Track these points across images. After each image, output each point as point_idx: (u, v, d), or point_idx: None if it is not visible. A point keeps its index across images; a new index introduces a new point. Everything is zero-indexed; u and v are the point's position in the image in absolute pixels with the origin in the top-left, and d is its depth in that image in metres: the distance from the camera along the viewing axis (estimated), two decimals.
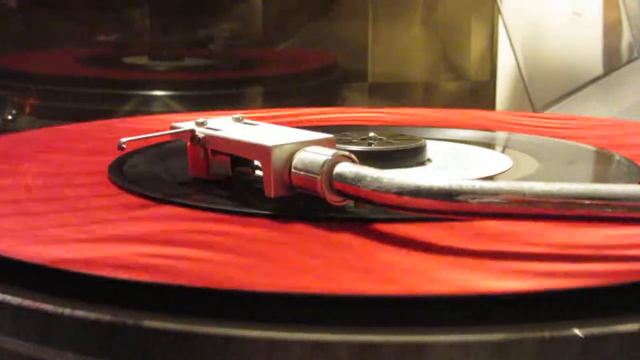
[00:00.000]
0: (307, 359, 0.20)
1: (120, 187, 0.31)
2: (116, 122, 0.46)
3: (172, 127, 0.31)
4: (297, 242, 0.25)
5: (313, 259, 0.24)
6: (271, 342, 0.20)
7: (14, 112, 0.75)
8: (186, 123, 0.31)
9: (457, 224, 0.26)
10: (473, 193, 0.23)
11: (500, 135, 0.42)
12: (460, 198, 0.24)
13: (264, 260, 0.24)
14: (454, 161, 0.36)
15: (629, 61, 0.91)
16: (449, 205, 0.24)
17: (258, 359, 0.20)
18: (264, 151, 0.27)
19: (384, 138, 0.35)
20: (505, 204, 0.23)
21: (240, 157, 0.30)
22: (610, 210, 0.23)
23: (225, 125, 0.30)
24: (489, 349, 0.20)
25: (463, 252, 0.24)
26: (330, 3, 0.87)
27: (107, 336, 0.21)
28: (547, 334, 0.20)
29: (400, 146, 0.34)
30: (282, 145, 0.27)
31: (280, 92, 0.81)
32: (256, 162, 0.30)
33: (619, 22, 0.90)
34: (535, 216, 0.23)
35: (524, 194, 0.23)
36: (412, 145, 0.34)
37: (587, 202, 0.23)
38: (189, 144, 0.30)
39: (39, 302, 0.22)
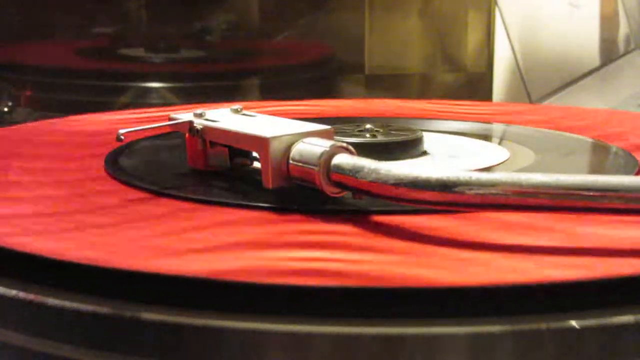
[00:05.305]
0: (297, 350, 0.20)
1: (117, 180, 0.31)
2: (113, 114, 0.46)
3: (171, 119, 0.31)
4: (294, 234, 0.25)
5: (310, 250, 0.24)
6: (260, 334, 0.20)
7: (10, 104, 0.75)
8: (184, 114, 0.31)
9: (454, 215, 0.26)
10: (470, 184, 0.24)
11: (497, 127, 0.42)
12: (457, 189, 0.24)
13: (261, 252, 0.24)
14: (451, 153, 0.36)
15: (626, 53, 0.91)
16: (447, 197, 0.24)
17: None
18: (261, 142, 0.27)
19: (381, 130, 0.35)
20: (502, 195, 0.23)
21: (238, 148, 0.30)
22: (607, 201, 0.23)
23: (224, 117, 0.30)
24: (487, 341, 0.20)
25: (460, 244, 0.24)
26: None
27: (104, 328, 0.21)
28: (544, 325, 0.20)
29: (397, 138, 0.34)
30: (280, 136, 0.27)
31: (277, 84, 0.81)
32: (254, 154, 0.30)
33: (616, 14, 0.90)
34: (533, 207, 0.23)
35: (521, 185, 0.23)
36: (410, 137, 0.34)
37: (585, 193, 0.23)
38: (187, 135, 0.31)
39: (34, 294, 0.22)
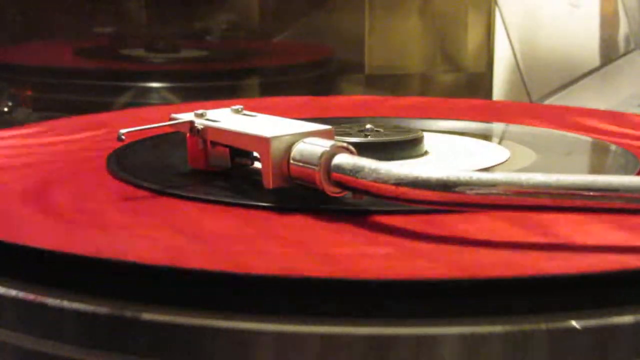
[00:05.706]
0: (295, 349, 0.20)
1: (118, 179, 0.31)
2: (115, 113, 0.46)
3: (171, 119, 0.31)
4: (295, 233, 0.25)
5: (310, 249, 0.24)
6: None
7: (10, 104, 0.75)
8: (185, 114, 0.31)
9: (454, 215, 0.26)
10: (471, 184, 0.24)
11: (497, 127, 0.42)
12: (458, 189, 0.24)
13: (261, 252, 0.24)
14: (451, 152, 0.36)
15: (626, 53, 0.91)
16: (447, 197, 0.24)
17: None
18: (262, 142, 0.27)
19: (382, 130, 0.35)
20: (503, 195, 0.23)
21: (239, 148, 0.30)
22: (607, 201, 0.23)
23: (224, 117, 0.30)
24: (486, 341, 0.20)
25: (461, 242, 0.24)
26: None
27: (105, 328, 0.21)
28: (543, 325, 0.20)
29: (397, 138, 0.34)
30: (280, 136, 0.27)
31: (277, 84, 0.81)
32: (255, 154, 0.30)
33: (616, 14, 0.90)
34: (533, 207, 0.23)
35: (521, 185, 0.23)
36: (410, 136, 0.34)
37: (585, 193, 0.23)
38: (188, 135, 0.31)
39: (34, 294, 0.22)
